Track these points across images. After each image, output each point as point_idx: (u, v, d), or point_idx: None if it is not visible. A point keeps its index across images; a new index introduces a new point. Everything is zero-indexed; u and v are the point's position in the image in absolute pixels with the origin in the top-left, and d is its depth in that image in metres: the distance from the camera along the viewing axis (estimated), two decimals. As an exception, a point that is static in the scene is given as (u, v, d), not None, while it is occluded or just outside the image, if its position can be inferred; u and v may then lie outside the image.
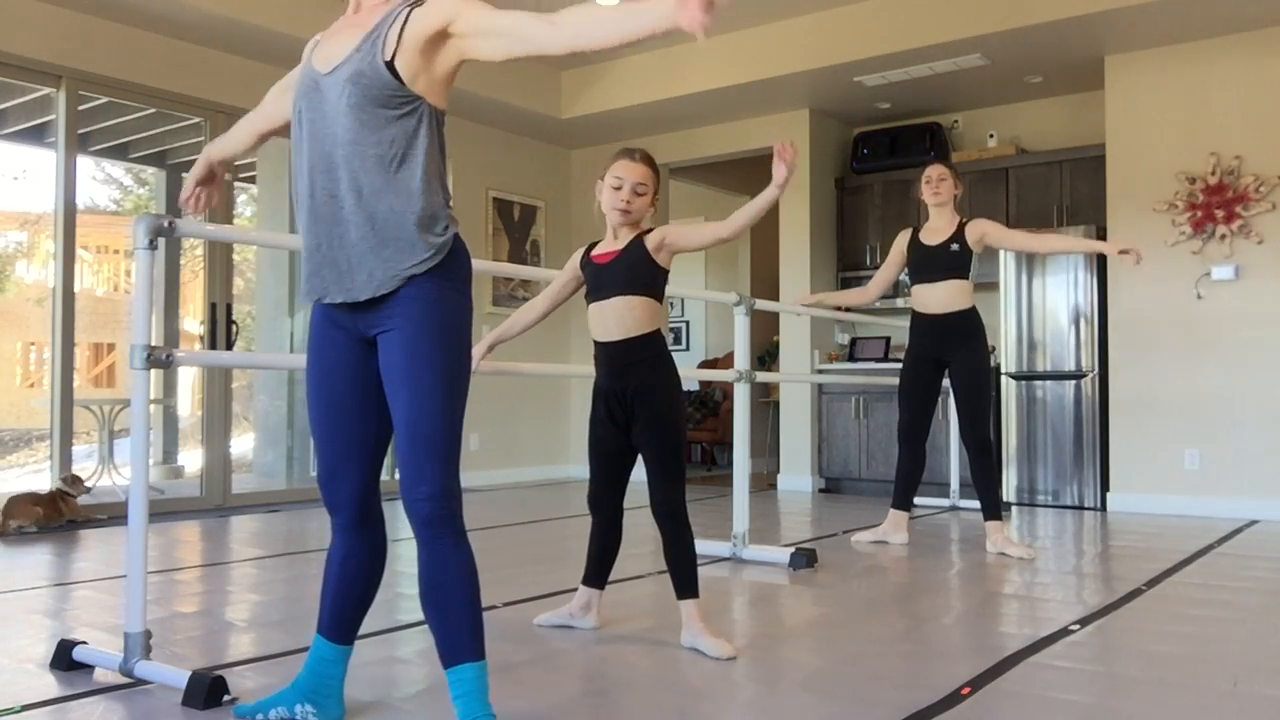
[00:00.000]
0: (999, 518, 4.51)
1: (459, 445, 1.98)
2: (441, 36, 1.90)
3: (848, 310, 7.31)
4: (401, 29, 1.91)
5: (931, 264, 4.55)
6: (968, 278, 4.55)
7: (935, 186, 4.56)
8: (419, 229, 1.94)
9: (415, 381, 1.93)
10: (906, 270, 4.71)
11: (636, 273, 2.81)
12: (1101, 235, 6.26)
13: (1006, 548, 4.40)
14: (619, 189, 2.80)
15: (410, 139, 1.94)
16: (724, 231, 2.82)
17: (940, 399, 6.57)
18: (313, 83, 1.99)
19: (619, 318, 2.81)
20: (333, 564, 2.14)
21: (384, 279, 1.94)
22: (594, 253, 2.91)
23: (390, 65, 1.90)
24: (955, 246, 4.50)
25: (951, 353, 4.55)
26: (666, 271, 2.87)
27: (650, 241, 2.82)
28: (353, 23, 2.01)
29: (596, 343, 2.87)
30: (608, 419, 2.89)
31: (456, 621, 1.96)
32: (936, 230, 4.58)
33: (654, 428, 2.81)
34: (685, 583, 2.83)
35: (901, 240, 4.73)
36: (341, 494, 2.09)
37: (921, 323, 4.63)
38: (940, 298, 4.54)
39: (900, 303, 7.14)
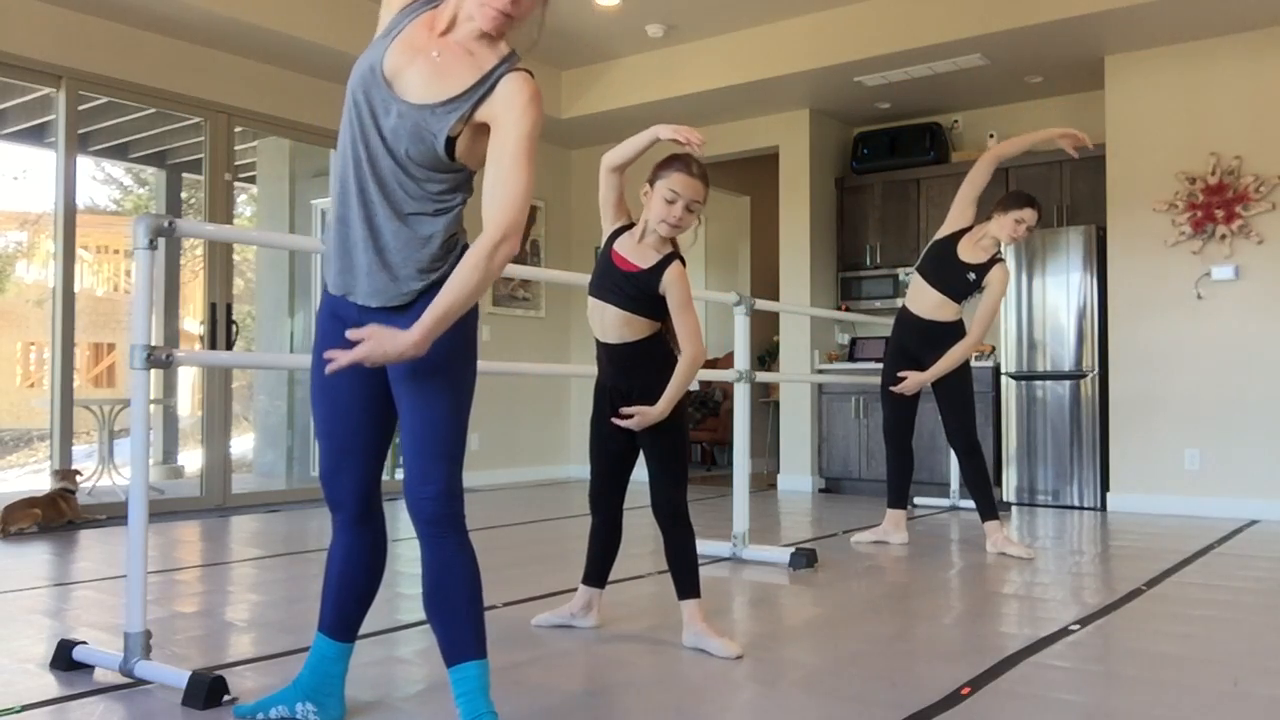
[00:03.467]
0: (996, 517, 4.51)
1: (464, 446, 2.00)
2: (487, 127, 1.93)
3: (848, 309, 7.34)
4: (473, 111, 1.90)
5: (944, 271, 4.51)
6: (960, 303, 4.53)
7: (1016, 233, 4.39)
8: (441, 249, 1.98)
9: (423, 382, 1.95)
10: (925, 249, 4.66)
11: (641, 297, 2.77)
12: (1102, 235, 6.26)
13: (1006, 547, 4.40)
14: (673, 203, 2.72)
15: (451, 192, 1.98)
16: (687, 346, 2.74)
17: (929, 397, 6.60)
18: (378, 82, 1.94)
19: (617, 326, 2.80)
20: (334, 561, 2.14)
21: (400, 293, 1.96)
22: (619, 246, 2.82)
23: (451, 142, 1.91)
24: (972, 276, 4.45)
25: (933, 357, 4.52)
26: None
27: (663, 283, 2.73)
28: (441, 52, 1.94)
29: (598, 341, 2.87)
30: (611, 417, 2.89)
31: (460, 620, 1.97)
32: (976, 249, 4.47)
33: (658, 428, 2.81)
34: (686, 583, 2.83)
35: (964, 219, 4.51)
36: (343, 491, 2.10)
37: (907, 320, 4.63)
38: (931, 305, 4.55)
39: (900, 302, 7.14)
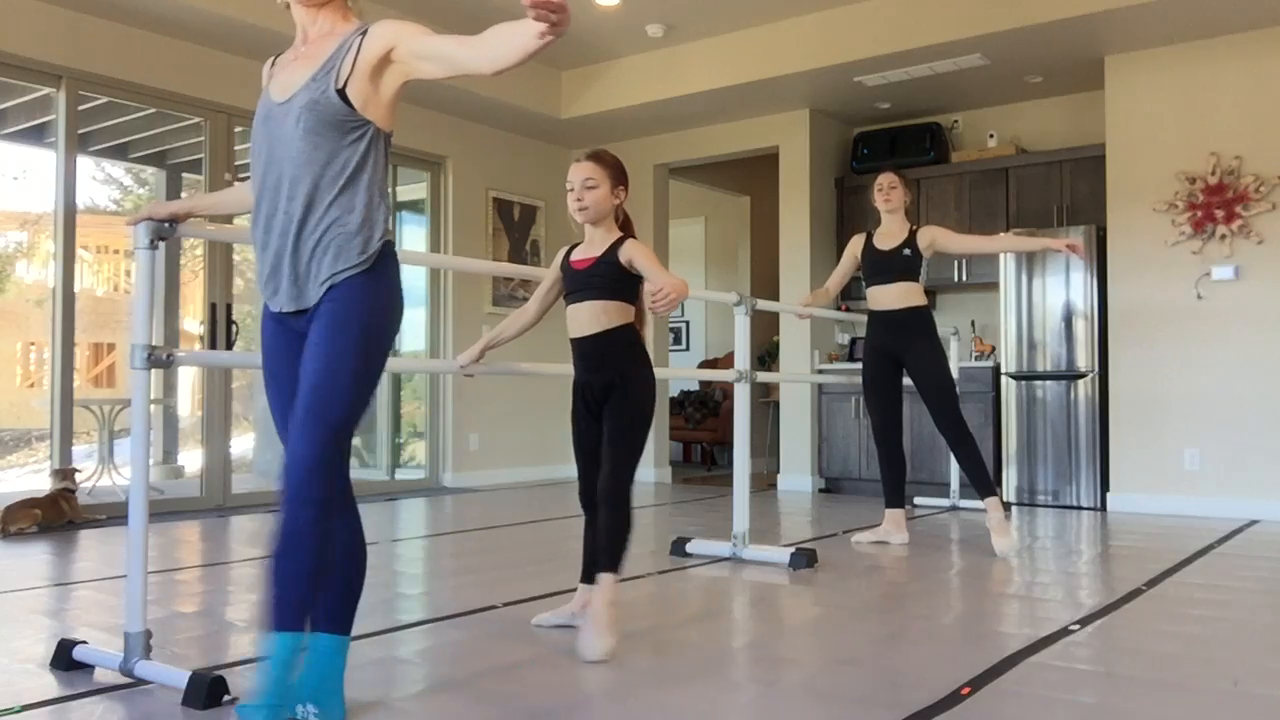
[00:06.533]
0: (994, 493, 4.53)
1: (349, 430, 2.04)
2: (385, 61, 2.07)
3: (848, 309, 7.33)
4: (355, 58, 2.06)
5: (885, 268, 4.71)
6: (918, 280, 4.70)
7: (886, 194, 4.74)
8: (359, 239, 2.08)
9: (324, 358, 2.02)
10: (861, 272, 4.86)
11: (610, 280, 2.88)
12: (1102, 235, 6.26)
13: (997, 529, 4.40)
14: (571, 191, 2.90)
15: (360, 160, 2.10)
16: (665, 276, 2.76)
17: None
18: (268, 111, 2.14)
19: (593, 317, 2.89)
20: None
21: (318, 288, 2.07)
22: (573, 257, 2.98)
23: (342, 93, 2.06)
24: (907, 252, 4.66)
25: (906, 349, 4.66)
26: (641, 279, 2.92)
27: (622, 255, 2.87)
28: (304, 54, 2.16)
29: (572, 340, 2.94)
30: (585, 412, 2.94)
31: (281, 588, 1.97)
32: (889, 235, 4.74)
33: (620, 410, 2.86)
34: (609, 555, 2.81)
35: (855, 244, 4.88)
36: None
37: (876, 318, 4.78)
38: (893, 297, 4.69)
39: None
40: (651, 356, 3.00)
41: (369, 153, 2.10)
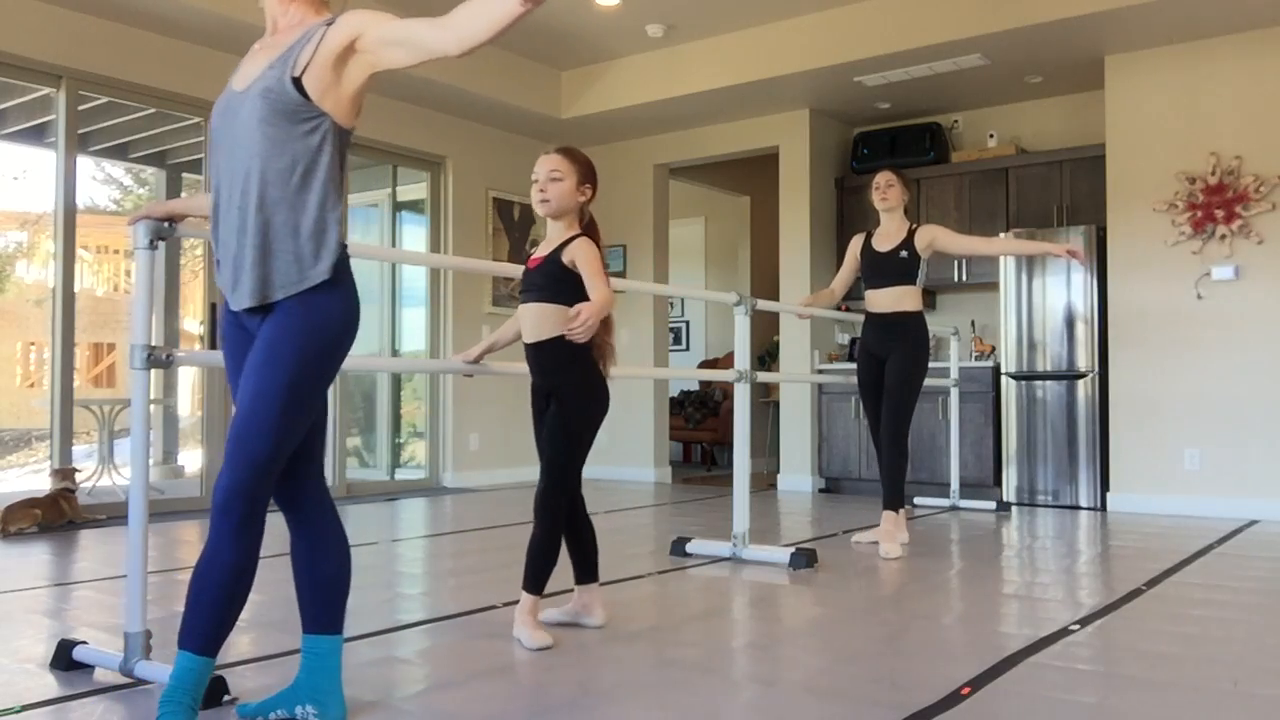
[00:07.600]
0: (895, 510, 4.53)
1: (274, 458, 2.01)
2: (349, 51, 2.02)
3: (848, 310, 7.33)
4: (316, 46, 2.01)
5: (881, 270, 4.69)
6: (915, 283, 4.67)
7: (883, 193, 4.70)
8: (311, 244, 2.03)
9: (258, 384, 1.99)
10: (860, 273, 4.83)
11: (552, 280, 2.82)
12: (1102, 235, 6.26)
13: (883, 540, 4.41)
14: (535, 182, 2.87)
15: (314, 155, 2.04)
16: (595, 294, 2.69)
17: (940, 399, 6.60)
18: (227, 101, 2.10)
19: (534, 322, 2.84)
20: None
21: (270, 288, 2.02)
22: (532, 254, 2.96)
23: (298, 82, 2.00)
24: (904, 254, 4.63)
25: (888, 351, 4.65)
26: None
27: (566, 254, 2.80)
28: (269, 44, 2.12)
29: (525, 345, 2.91)
30: (538, 413, 2.93)
31: (198, 609, 1.98)
32: (887, 236, 4.72)
33: (551, 423, 2.83)
34: (528, 575, 2.84)
35: (855, 244, 4.86)
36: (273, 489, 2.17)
37: (870, 320, 4.77)
38: (888, 300, 4.67)
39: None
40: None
41: (322, 148, 2.03)
